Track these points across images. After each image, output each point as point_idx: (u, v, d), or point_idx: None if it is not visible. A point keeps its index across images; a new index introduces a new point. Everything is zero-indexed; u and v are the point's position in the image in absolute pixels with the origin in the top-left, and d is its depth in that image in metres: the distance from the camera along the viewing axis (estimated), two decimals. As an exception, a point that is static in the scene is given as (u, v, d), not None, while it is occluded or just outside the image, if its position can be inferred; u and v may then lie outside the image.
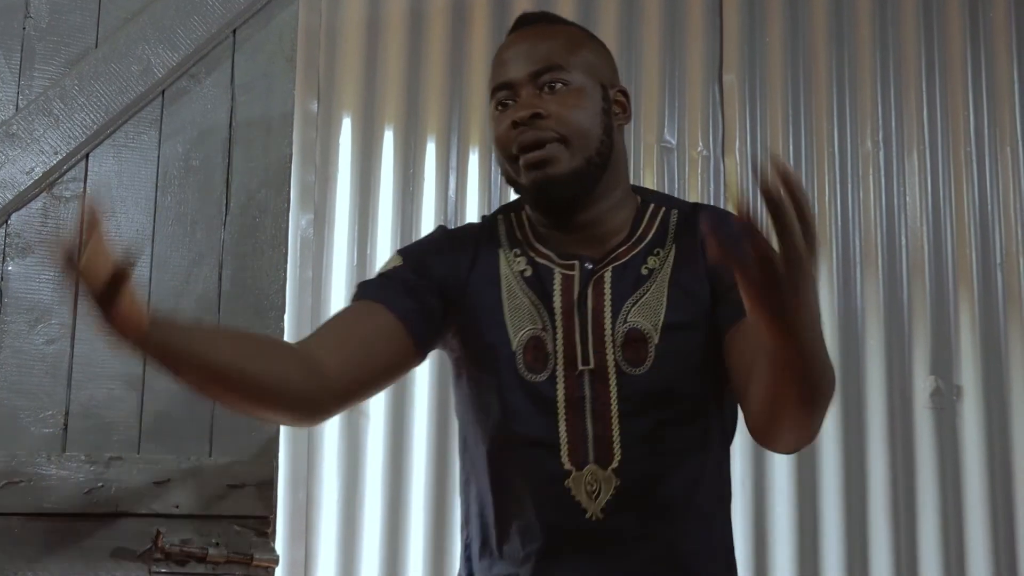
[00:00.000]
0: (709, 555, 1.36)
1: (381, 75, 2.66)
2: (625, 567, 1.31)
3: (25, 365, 1.67)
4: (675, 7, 2.81)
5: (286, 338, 1.84)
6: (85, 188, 1.74)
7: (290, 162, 1.84)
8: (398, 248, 1.53)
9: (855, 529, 2.66)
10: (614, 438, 1.31)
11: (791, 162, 2.81)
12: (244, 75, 1.82)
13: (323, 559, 2.49)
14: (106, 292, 1.09)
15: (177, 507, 1.67)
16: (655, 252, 1.38)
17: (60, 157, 1.71)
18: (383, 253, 2.59)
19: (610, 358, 1.33)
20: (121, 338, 1.13)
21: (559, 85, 1.35)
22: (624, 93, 1.43)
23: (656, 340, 1.33)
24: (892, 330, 2.74)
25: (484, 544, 1.39)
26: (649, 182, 2.71)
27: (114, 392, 1.69)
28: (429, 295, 1.39)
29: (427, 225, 2.61)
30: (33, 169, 1.70)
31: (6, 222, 1.70)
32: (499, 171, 1.54)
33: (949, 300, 2.78)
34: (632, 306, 1.35)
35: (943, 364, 2.74)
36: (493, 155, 1.43)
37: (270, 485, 1.71)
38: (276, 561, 1.69)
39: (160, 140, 1.78)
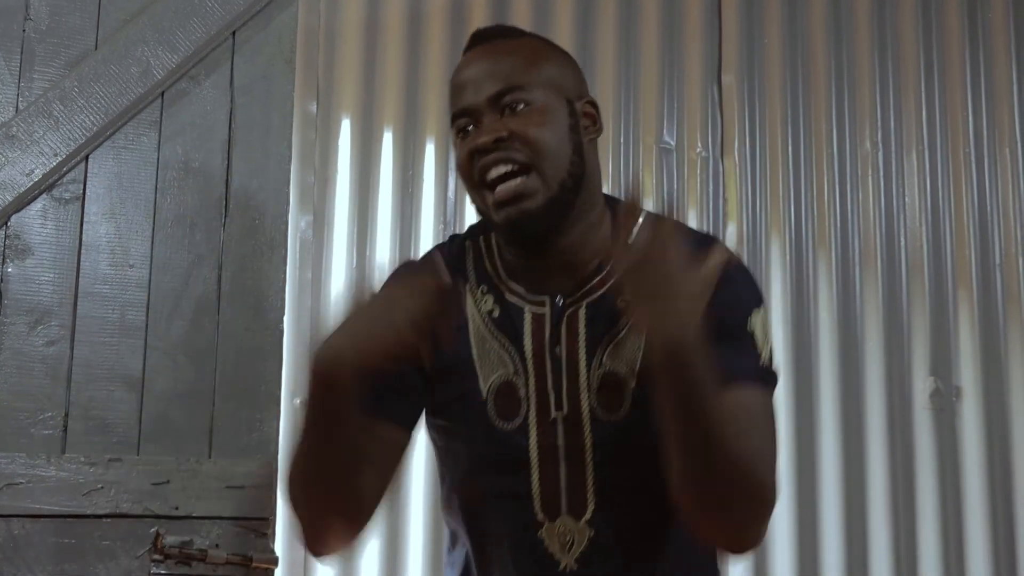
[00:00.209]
0: None
1: (380, 76, 2.66)
2: None
3: (25, 367, 1.67)
4: (674, 8, 2.81)
5: (285, 339, 1.84)
6: (85, 190, 1.74)
7: (289, 163, 1.84)
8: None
9: (855, 530, 2.66)
10: (588, 487, 1.25)
11: (790, 163, 2.81)
12: (243, 77, 1.82)
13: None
14: None
15: (176, 508, 1.67)
16: None
17: (60, 159, 1.72)
18: (382, 254, 2.59)
19: (585, 404, 1.26)
20: None
21: (521, 106, 1.25)
22: (593, 104, 1.33)
23: (633, 385, 1.25)
24: (891, 331, 2.74)
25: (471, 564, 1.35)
26: (648, 183, 2.71)
27: (114, 394, 1.70)
28: (409, 376, 1.29)
29: (426, 227, 2.61)
30: (33, 171, 1.70)
31: (6, 224, 1.70)
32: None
33: (948, 301, 2.78)
34: (608, 347, 1.27)
35: (942, 365, 2.75)
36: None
37: (269, 487, 1.71)
38: (275, 562, 1.69)
39: (160, 142, 1.78)
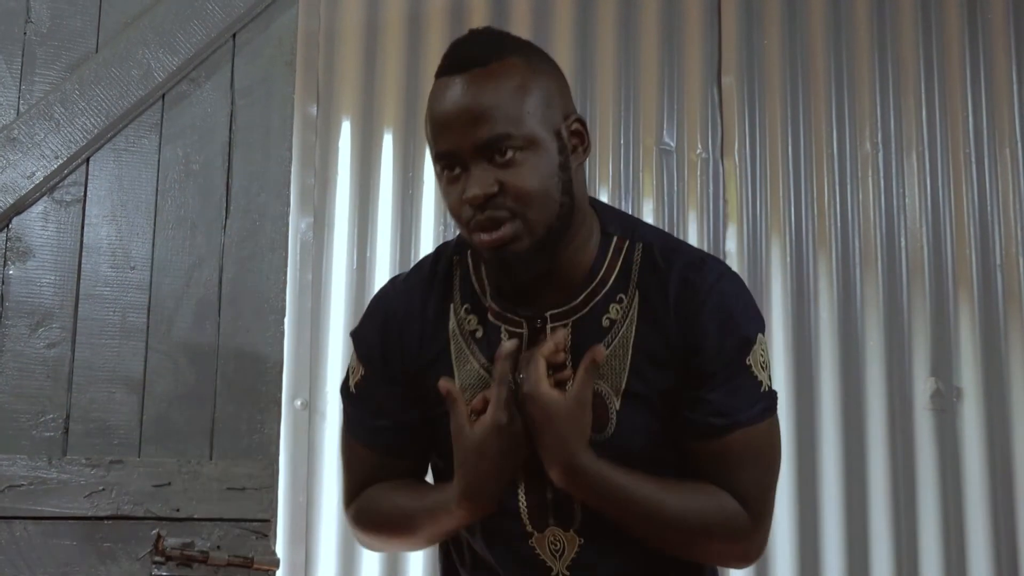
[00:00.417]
0: None
1: (380, 78, 2.67)
2: None
3: (26, 369, 1.68)
4: (673, 10, 2.81)
5: (286, 341, 1.85)
6: (86, 192, 1.74)
7: (290, 165, 1.85)
8: (353, 342, 1.38)
9: (856, 531, 2.66)
10: (575, 501, 1.25)
11: (790, 164, 2.81)
12: (244, 79, 1.83)
13: (323, 561, 2.49)
14: None
15: (178, 510, 1.67)
16: (618, 299, 1.27)
17: (61, 161, 1.72)
18: (383, 255, 2.60)
19: None
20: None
21: (510, 153, 1.20)
22: (580, 121, 1.28)
23: (617, 406, 1.25)
24: (892, 332, 2.75)
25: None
26: (648, 184, 2.72)
27: (115, 396, 1.70)
28: (404, 409, 1.32)
29: (426, 228, 2.62)
30: (34, 173, 1.70)
31: (7, 226, 1.70)
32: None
33: (949, 301, 2.78)
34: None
35: (943, 366, 2.75)
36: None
37: (270, 488, 1.72)
38: (276, 563, 1.69)
39: (160, 144, 1.78)
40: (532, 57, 1.27)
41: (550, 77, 1.27)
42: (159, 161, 1.78)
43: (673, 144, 2.78)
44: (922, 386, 2.74)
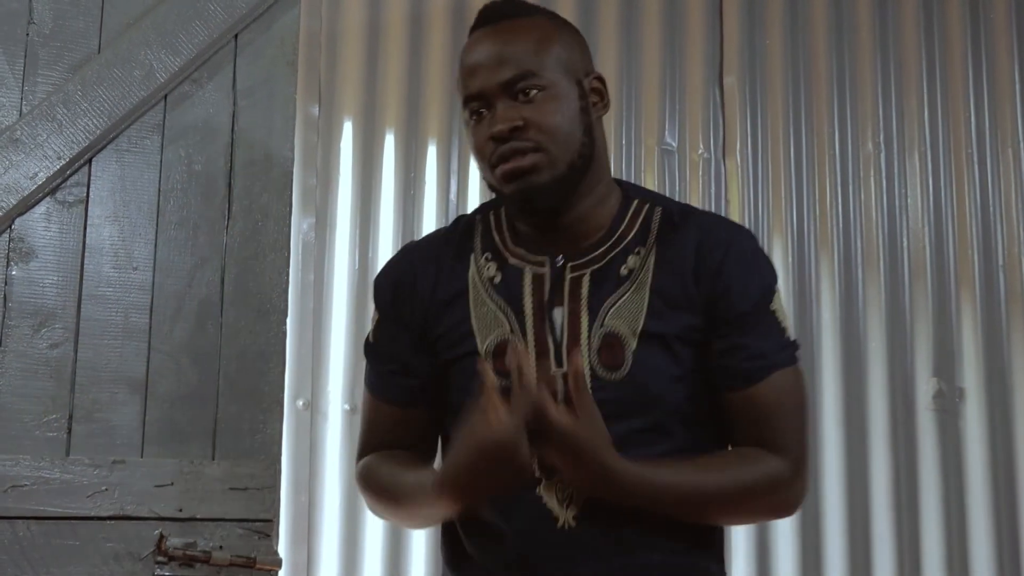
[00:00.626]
0: (684, 570, 1.31)
1: (382, 79, 2.67)
2: None
3: (29, 369, 1.68)
4: (675, 9, 2.81)
5: (288, 341, 1.85)
6: (88, 193, 1.74)
7: (292, 166, 1.85)
8: (373, 291, 1.46)
9: (858, 531, 2.66)
10: None
11: (792, 164, 2.81)
12: (246, 79, 1.83)
13: (325, 561, 2.49)
14: None
15: (180, 510, 1.67)
16: (636, 251, 1.34)
17: (63, 162, 1.72)
18: (384, 256, 2.60)
19: (584, 361, 1.29)
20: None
21: (534, 92, 1.30)
22: (600, 79, 1.38)
23: (634, 346, 1.29)
24: (894, 332, 2.75)
25: (456, 553, 1.37)
26: (650, 184, 2.72)
27: (117, 396, 1.70)
28: (415, 353, 1.38)
29: (428, 228, 2.62)
30: (37, 174, 1.71)
31: (10, 227, 1.70)
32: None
33: (951, 302, 2.78)
34: (610, 309, 1.31)
35: (945, 366, 2.75)
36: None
37: (272, 488, 1.72)
38: (279, 564, 1.69)
39: (162, 144, 1.78)
40: (557, 19, 1.40)
41: (573, 37, 1.38)
42: (161, 162, 1.78)
43: (675, 144, 2.78)
44: (924, 386, 2.74)
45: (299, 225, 2.53)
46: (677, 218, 1.36)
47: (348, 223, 2.61)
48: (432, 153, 2.66)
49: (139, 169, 1.77)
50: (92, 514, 1.64)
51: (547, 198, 1.31)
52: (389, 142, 2.66)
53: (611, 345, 1.29)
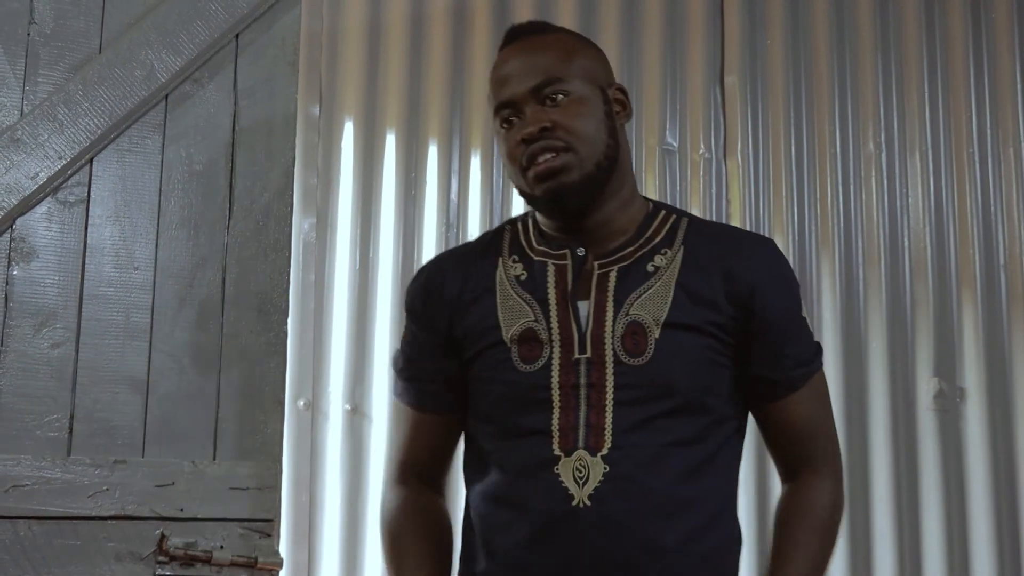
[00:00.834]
0: (698, 553, 1.35)
1: (383, 79, 2.67)
2: (613, 557, 1.31)
3: (30, 369, 1.68)
4: (676, 9, 2.81)
5: (289, 341, 1.85)
6: (89, 193, 1.74)
7: (293, 166, 1.85)
8: (405, 297, 1.51)
9: (858, 531, 2.66)
10: (606, 425, 1.32)
11: (793, 164, 2.81)
12: (247, 79, 1.83)
13: (326, 561, 2.49)
14: None
15: (181, 510, 1.67)
16: (663, 252, 1.40)
17: (64, 162, 1.72)
18: (385, 256, 2.60)
19: (608, 347, 1.34)
20: None
21: (560, 96, 1.38)
22: (622, 90, 1.46)
23: (657, 334, 1.35)
24: (895, 332, 2.75)
25: (475, 530, 1.41)
26: (651, 184, 2.72)
27: (119, 396, 1.70)
28: (442, 356, 1.44)
29: (429, 228, 2.62)
30: (38, 174, 1.71)
31: (11, 227, 1.70)
32: (501, 174, 1.56)
33: (952, 301, 2.78)
34: (635, 300, 1.37)
35: (946, 366, 2.75)
36: (501, 167, 1.44)
37: (273, 488, 1.72)
38: (280, 563, 1.70)
39: (163, 144, 1.78)
40: (581, 37, 1.50)
41: (596, 53, 1.48)
42: (162, 161, 1.78)
43: (676, 144, 2.78)
44: (925, 386, 2.74)
45: (300, 225, 2.53)
46: (704, 227, 1.45)
47: (349, 223, 2.61)
48: (433, 153, 2.66)
49: (140, 169, 1.77)
50: (93, 514, 1.64)
51: (577, 197, 1.37)
52: (390, 142, 2.66)
53: (635, 333, 1.35)
